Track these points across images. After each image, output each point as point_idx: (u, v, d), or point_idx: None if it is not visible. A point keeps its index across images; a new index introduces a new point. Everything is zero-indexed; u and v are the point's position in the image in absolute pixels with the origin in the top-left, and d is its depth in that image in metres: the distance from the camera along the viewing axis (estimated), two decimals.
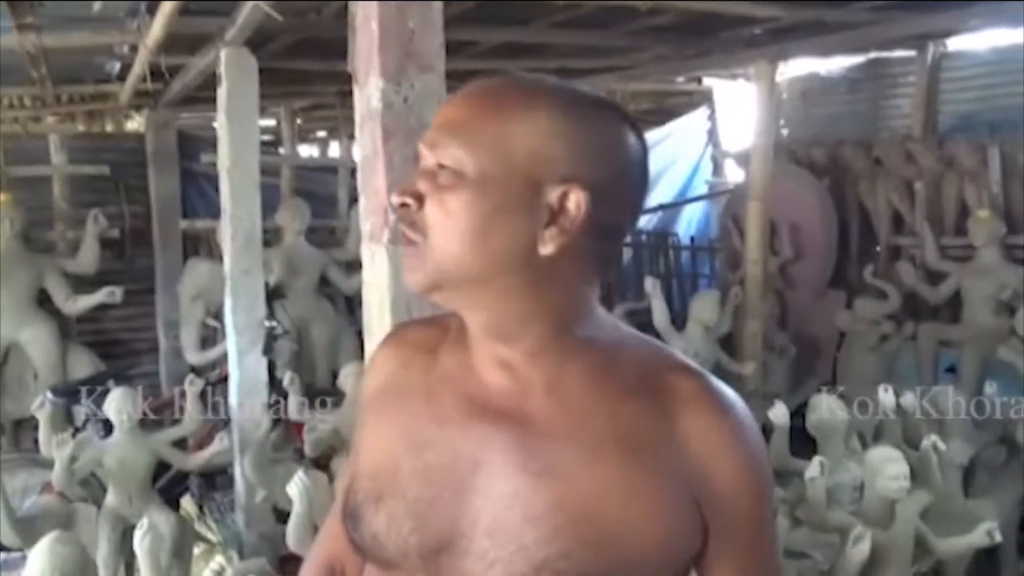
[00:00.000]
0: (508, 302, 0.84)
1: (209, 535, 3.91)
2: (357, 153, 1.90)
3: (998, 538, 2.64)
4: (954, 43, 5.30)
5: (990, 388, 3.53)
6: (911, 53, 5.39)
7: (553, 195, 0.81)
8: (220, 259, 3.89)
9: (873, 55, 5.67)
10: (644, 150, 0.88)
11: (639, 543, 0.81)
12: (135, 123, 6.43)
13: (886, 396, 3.25)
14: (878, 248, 5.50)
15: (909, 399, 3.30)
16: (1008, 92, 5.02)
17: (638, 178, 0.87)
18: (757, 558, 0.90)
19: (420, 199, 0.83)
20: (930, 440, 2.90)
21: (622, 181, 0.85)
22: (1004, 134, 4.81)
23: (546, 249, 0.81)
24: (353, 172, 4.28)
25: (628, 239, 7.18)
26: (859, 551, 2.47)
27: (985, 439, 3.44)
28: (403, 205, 0.84)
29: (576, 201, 0.81)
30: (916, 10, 3.96)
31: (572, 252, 0.82)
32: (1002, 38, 5.06)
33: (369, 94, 1.72)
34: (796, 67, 6.11)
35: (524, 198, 0.81)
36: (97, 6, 3.13)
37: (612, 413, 0.84)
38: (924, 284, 4.90)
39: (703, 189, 7.86)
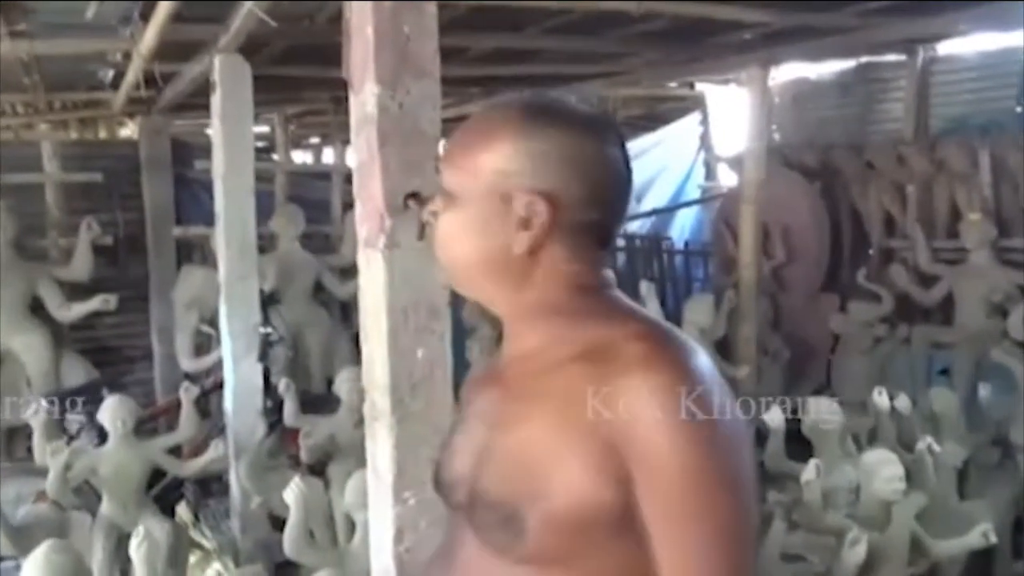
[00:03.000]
0: (500, 292, 1.02)
1: (204, 542, 3.90)
2: (351, 159, 1.91)
3: (993, 539, 2.66)
4: (944, 47, 5.34)
5: (983, 390, 3.55)
6: (901, 57, 5.43)
7: (519, 204, 0.96)
8: (214, 266, 3.89)
9: (864, 59, 5.71)
10: (613, 154, 1.00)
11: (545, 482, 0.91)
12: (128, 130, 6.43)
13: (880, 399, 3.27)
14: (871, 251, 5.52)
15: (903, 401, 3.31)
16: (998, 95, 5.06)
17: (607, 179, 1.00)
18: (687, 521, 0.88)
19: (435, 216, 1.03)
20: (925, 442, 2.92)
21: (586, 184, 0.97)
22: (994, 137, 4.84)
23: (518, 249, 0.97)
24: (347, 178, 4.29)
25: (622, 244, 7.22)
26: (855, 553, 2.47)
27: (979, 441, 3.46)
28: (433, 214, 1.04)
29: (538, 207, 0.96)
30: (906, 14, 3.99)
31: (545, 249, 0.98)
32: (991, 42, 5.10)
33: (364, 100, 1.72)
34: (788, 71, 6.13)
35: (496, 210, 0.98)
36: (90, 13, 3.13)
37: (556, 375, 0.95)
38: (916, 287, 4.92)
39: (696, 193, 7.88)
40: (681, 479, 0.87)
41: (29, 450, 3.64)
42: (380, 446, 1.77)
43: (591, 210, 0.98)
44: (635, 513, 0.89)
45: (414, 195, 1.70)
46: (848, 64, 5.83)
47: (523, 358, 1.01)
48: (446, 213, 1.01)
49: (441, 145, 1.07)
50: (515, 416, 0.97)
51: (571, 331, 0.98)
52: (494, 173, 0.98)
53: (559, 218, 0.96)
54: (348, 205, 5.16)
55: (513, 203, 0.97)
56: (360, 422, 1.93)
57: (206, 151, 4.59)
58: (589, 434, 0.90)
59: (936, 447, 2.90)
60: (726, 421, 0.90)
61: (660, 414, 0.87)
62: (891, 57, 5.55)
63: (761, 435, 3.24)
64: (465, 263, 1.01)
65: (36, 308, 4.74)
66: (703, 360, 0.93)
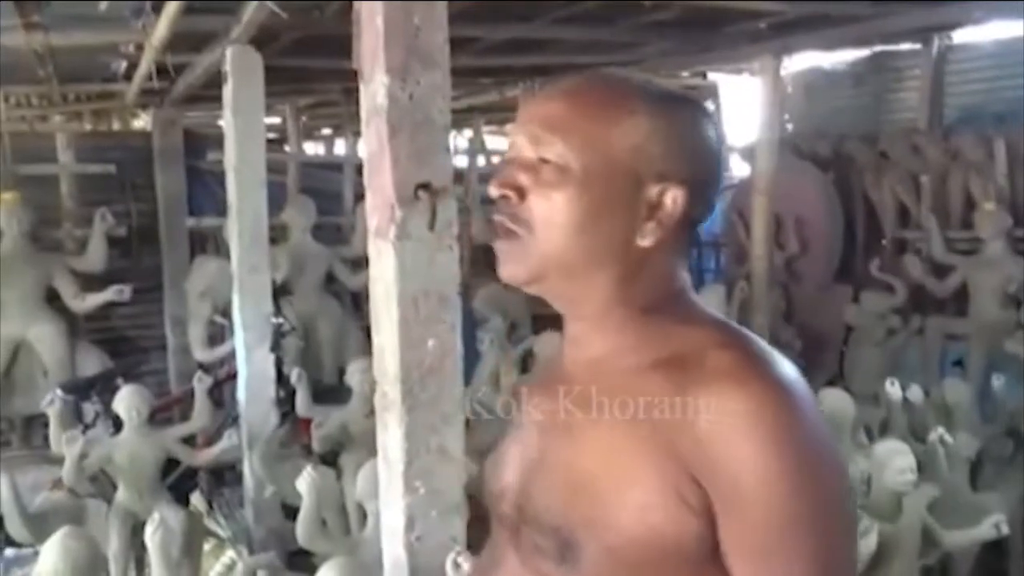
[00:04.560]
0: (600, 289, 0.88)
1: (218, 530, 3.93)
2: (363, 150, 1.91)
3: (1005, 530, 2.65)
4: (959, 36, 5.29)
5: (997, 381, 3.53)
6: (916, 46, 5.38)
7: (652, 191, 0.86)
8: (227, 256, 3.91)
9: (878, 49, 5.66)
10: (723, 144, 0.93)
11: (612, 504, 0.80)
12: (141, 121, 6.46)
13: (892, 390, 3.26)
14: (884, 242, 5.49)
15: (915, 392, 3.30)
16: (1013, 84, 5.01)
17: (721, 171, 0.95)
18: (774, 560, 0.77)
19: (521, 192, 0.87)
20: (937, 433, 2.91)
21: (710, 176, 0.90)
22: (1010, 126, 4.80)
23: (645, 242, 0.87)
24: (359, 169, 4.29)
25: None
26: (866, 544, 2.47)
27: (992, 432, 3.44)
28: (504, 197, 0.88)
29: (674, 197, 0.86)
30: (921, 3, 3.96)
31: (663, 243, 0.88)
32: (1007, 31, 5.05)
33: (374, 91, 1.72)
34: (801, 61, 6.09)
35: (625, 194, 0.86)
36: (103, 5, 3.14)
37: (632, 384, 0.84)
38: (930, 277, 4.89)
39: None
40: (775, 512, 0.76)
41: (46, 439, 3.67)
42: (391, 435, 1.78)
43: (704, 204, 0.90)
44: (713, 547, 0.79)
45: (424, 185, 1.71)
46: (862, 53, 5.79)
47: (593, 362, 0.90)
48: (558, 190, 0.85)
49: (534, 105, 0.91)
50: (578, 427, 0.86)
51: (653, 336, 0.87)
52: (630, 151, 0.86)
53: (684, 211, 0.87)
54: (360, 196, 5.17)
55: (646, 189, 0.86)
56: (371, 412, 1.94)
57: (218, 142, 4.61)
58: (666, 454, 0.79)
59: (948, 438, 2.89)
60: (823, 444, 0.79)
61: (751, 438, 0.76)
62: (906, 46, 5.51)
63: None
64: (575, 250, 0.86)
65: (51, 298, 4.78)
66: (793, 372, 0.81)
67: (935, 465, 2.90)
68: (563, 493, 0.84)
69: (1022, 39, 4.92)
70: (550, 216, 0.85)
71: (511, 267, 0.89)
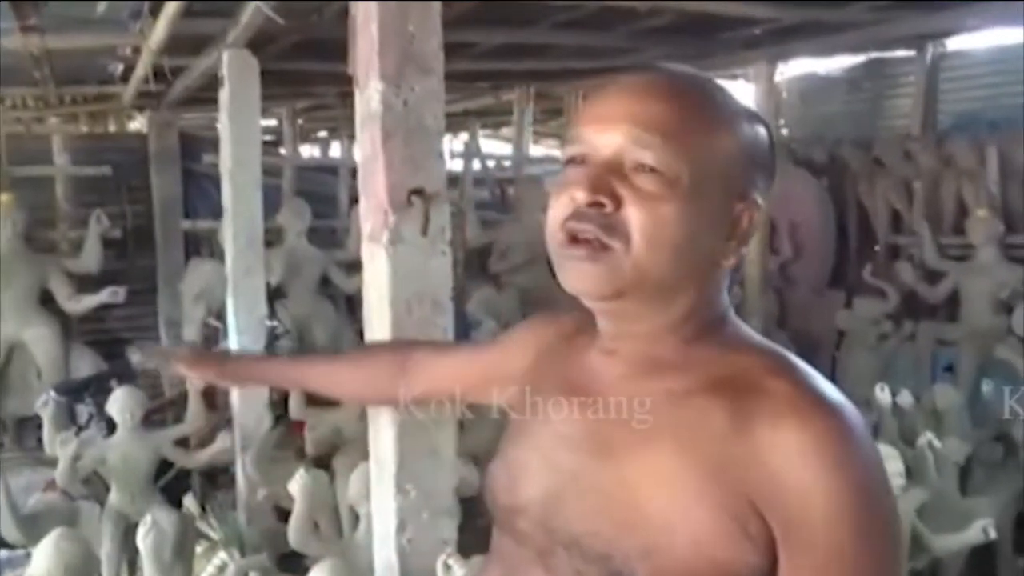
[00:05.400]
0: (677, 308, 0.84)
1: (211, 533, 3.93)
2: (358, 154, 1.93)
3: (993, 535, 2.66)
4: (953, 43, 5.32)
5: (987, 387, 3.55)
6: (910, 53, 5.41)
7: (737, 208, 0.82)
8: (222, 259, 3.92)
9: (872, 55, 5.69)
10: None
11: (668, 533, 0.77)
12: (137, 124, 6.47)
13: (882, 395, 3.27)
14: (877, 247, 5.52)
15: (905, 397, 3.32)
16: (1007, 92, 5.04)
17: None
18: None
19: (618, 201, 0.79)
20: (926, 438, 2.92)
21: (768, 195, 0.86)
22: (1002, 133, 4.83)
23: (728, 262, 0.83)
24: (354, 172, 4.30)
25: None
26: None
27: (982, 437, 3.46)
28: (596, 205, 0.79)
29: (751, 216, 0.83)
30: (915, 10, 3.98)
31: (732, 263, 0.84)
32: (1001, 38, 5.08)
33: (369, 97, 1.74)
34: (795, 67, 6.12)
35: (720, 210, 0.81)
36: (100, 8, 3.15)
37: (682, 405, 0.80)
38: (923, 283, 4.92)
39: None
40: (845, 540, 0.74)
41: (39, 440, 3.67)
42: (383, 438, 1.80)
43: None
44: None
45: (418, 191, 1.72)
46: (857, 60, 5.82)
47: (633, 378, 0.85)
48: (663, 202, 0.78)
49: (627, 101, 0.82)
50: (623, 447, 0.82)
51: (702, 357, 0.83)
52: (726, 164, 0.81)
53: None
54: (355, 199, 5.13)
55: (732, 206, 0.82)
56: (365, 415, 1.95)
57: (214, 145, 4.60)
58: (726, 482, 0.76)
59: (936, 443, 2.90)
60: (880, 468, 0.79)
61: (821, 469, 0.74)
62: (900, 53, 5.53)
63: None
64: (673, 268, 0.80)
65: (46, 300, 4.78)
66: (842, 396, 0.79)
67: (924, 470, 2.91)
68: (613, 519, 0.79)
69: (1015, 46, 4.95)
70: (653, 231, 0.78)
71: (596, 283, 0.80)
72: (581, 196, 0.79)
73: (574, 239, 0.80)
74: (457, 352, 1.25)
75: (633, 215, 0.78)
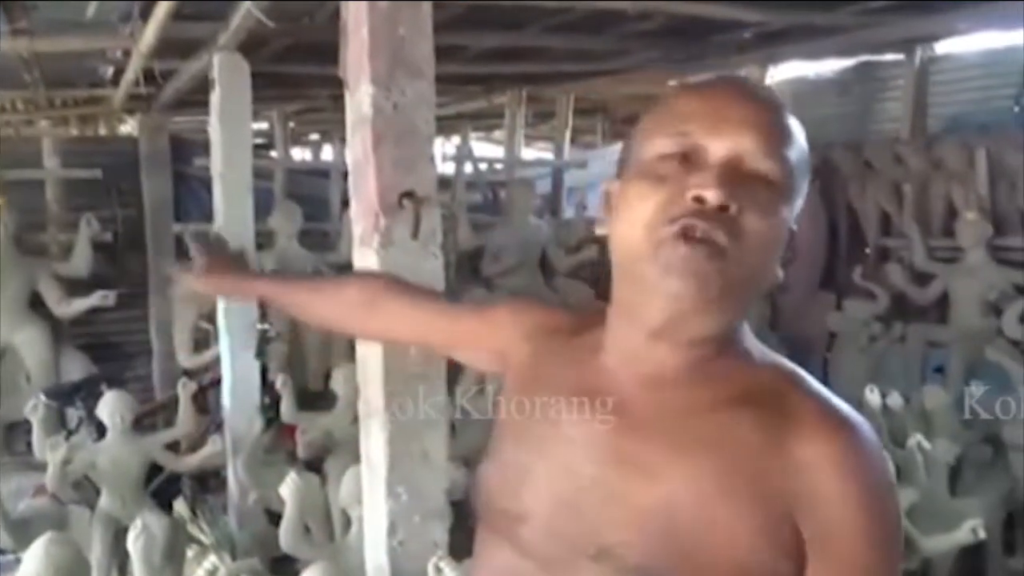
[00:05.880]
0: (734, 317, 0.84)
1: (202, 537, 3.91)
2: (349, 157, 1.93)
3: (982, 535, 2.68)
4: (942, 47, 5.35)
5: (976, 388, 3.57)
6: (899, 57, 5.44)
7: (792, 224, 0.84)
8: None
9: (862, 59, 5.72)
10: None
11: (708, 547, 0.78)
12: (128, 127, 6.45)
13: (872, 396, 3.29)
14: (867, 249, 5.54)
15: (895, 399, 3.34)
16: (996, 95, 5.07)
17: None
18: None
19: (741, 206, 0.79)
20: (915, 439, 2.94)
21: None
22: (991, 136, 4.85)
23: (781, 274, 0.85)
24: (346, 175, 4.30)
25: None
26: None
27: (971, 438, 3.47)
28: (725, 208, 0.78)
29: (793, 232, 0.85)
30: (904, 14, 4.01)
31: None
32: (989, 41, 5.11)
33: (360, 100, 1.74)
34: (786, 71, 6.15)
35: (789, 226, 0.84)
36: (90, 11, 3.14)
37: (713, 417, 0.81)
38: (912, 285, 4.94)
39: None
40: (866, 552, 0.78)
41: (28, 444, 3.65)
42: (374, 441, 1.80)
43: None
44: None
45: (408, 194, 1.73)
46: (847, 63, 5.85)
47: (653, 385, 0.84)
48: (774, 214, 0.80)
49: (753, 110, 0.82)
50: (659, 458, 0.81)
51: (724, 368, 0.84)
52: (803, 180, 0.83)
53: None
54: (347, 203, 5.15)
55: (791, 221, 0.83)
56: (357, 418, 1.95)
57: (205, 148, 4.60)
58: (764, 493, 0.78)
59: (926, 444, 2.92)
60: (893, 479, 0.85)
61: (846, 482, 0.77)
62: (889, 56, 5.56)
63: None
64: (764, 276, 0.83)
65: (36, 304, 4.76)
66: (856, 413, 0.83)
67: (914, 471, 2.93)
68: (647, 530, 0.79)
69: (1004, 50, 4.98)
70: (765, 240, 0.80)
71: (707, 284, 0.78)
72: (712, 196, 0.77)
73: (686, 236, 0.78)
74: (432, 304, 1.21)
75: (751, 223, 0.79)
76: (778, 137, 0.81)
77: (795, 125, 0.84)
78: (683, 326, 0.82)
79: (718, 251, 0.78)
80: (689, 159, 0.80)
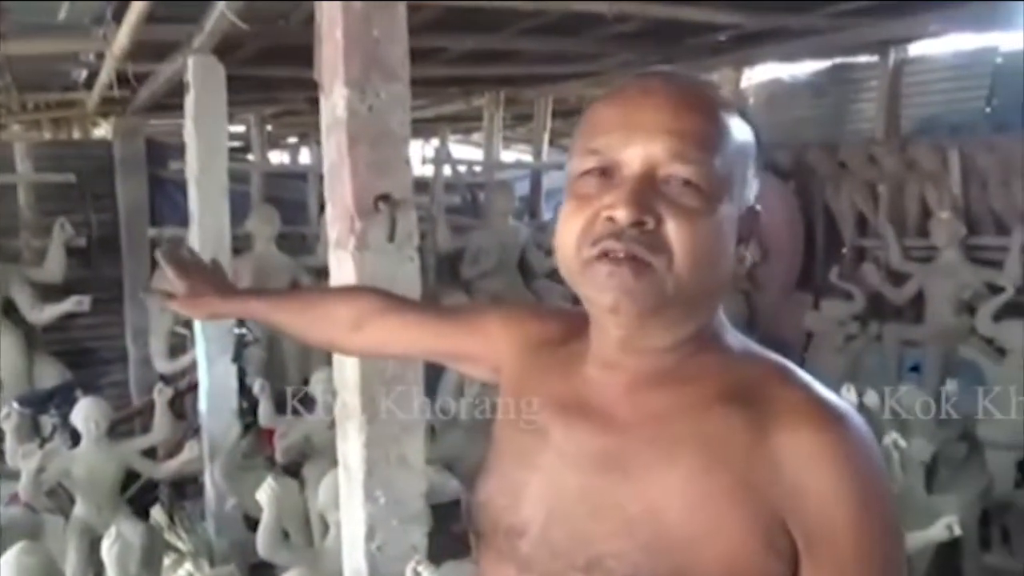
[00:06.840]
0: (699, 319, 0.83)
1: (179, 544, 3.88)
2: (325, 160, 1.92)
3: (957, 531, 2.70)
4: (915, 48, 5.41)
5: (951, 386, 3.60)
6: (873, 58, 5.49)
7: (744, 213, 0.83)
8: None
9: (836, 60, 5.77)
10: None
11: (698, 552, 0.76)
12: (102, 130, 6.38)
13: (848, 395, 3.31)
14: (843, 250, 5.59)
15: (871, 398, 3.36)
16: (968, 96, 5.13)
17: None
18: None
19: (659, 218, 0.77)
20: (890, 437, 2.96)
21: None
22: (964, 137, 4.91)
23: (741, 268, 0.83)
24: (323, 179, 4.29)
25: None
26: None
27: (946, 436, 3.51)
28: (639, 224, 0.76)
29: (754, 218, 0.84)
30: (877, 16, 4.05)
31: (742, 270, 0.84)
32: (962, 43, 5.18)
33: (334, 102, 1.73)
34: (761, 72, 6.19)
35: (735, 218, 0.82)
36: (62, 13, 3.11)
37: (698, 418, 0.79)
38: (888, 285, 4.99)
39: None
40: (860, 537, 0.76)
41: (1, 453, 3.60)
42: (351, 445, 1.79)
43: None
44: None
45: (384, 197, 1.72)
46: (821, 65, 5.90)
47: (639, 390, 0.83)
48: (703, 218, 0.78)
49: (667, 114, 0.79)
50: (645, 465, 0.80)
51: (709, 367, 0.83)
52: (743, 172, 0.83)
53: None
54: (325, 206, 5.14)
55: (741, 211, 0.83)
56: (334, 423, 1.94)
57: (181, 151, 4.57)
58: (753, 494, 0.76)
59: (902, 442, 2.94)
60: (885, 473, 0.82)
61: (836, 477, 0.75)
62: (863, 58, 5.61)
63: None
64: (707, 280, 0.80)
65: (8, 310, 4.70)
66: (845, 402, 0.81)
67: (890, 469, 2.95)
68: (638, 540, 0.77)
69: (976, 51, 5.05)
70: (695, 246, 0.77)
71: (640, 300, 0.77)
72: (623, 215, 0.76)
73: (608, 256, 0.77)
74: (423, 319, 1.18)
75: (674, 231, 0.77)
76: (694, 135, 0.78)
77: (722, 112, 0.82)
78: (642, 337, 0.82)
79: (643, 267, 0.77)
80: (607, 174, 0.79)
